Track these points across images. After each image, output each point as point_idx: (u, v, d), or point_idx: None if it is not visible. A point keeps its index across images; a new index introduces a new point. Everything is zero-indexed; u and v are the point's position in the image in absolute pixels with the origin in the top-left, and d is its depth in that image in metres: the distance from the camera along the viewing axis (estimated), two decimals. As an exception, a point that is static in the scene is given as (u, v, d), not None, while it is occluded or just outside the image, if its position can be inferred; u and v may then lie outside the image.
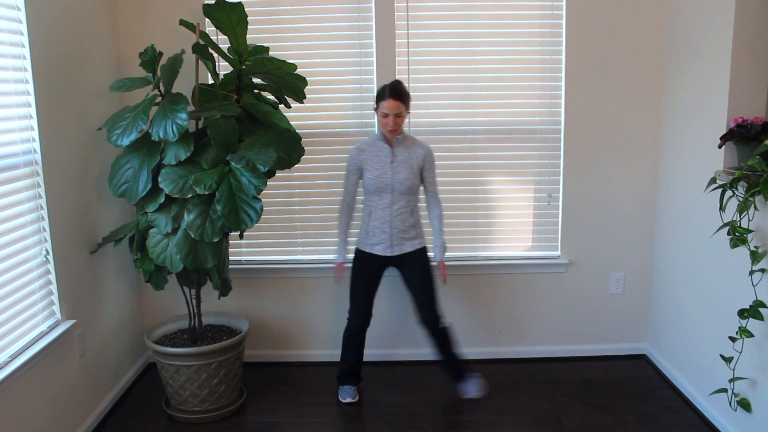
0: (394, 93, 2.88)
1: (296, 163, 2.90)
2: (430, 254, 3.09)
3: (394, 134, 2.95)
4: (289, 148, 2.88)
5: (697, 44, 2.97)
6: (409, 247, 3.02)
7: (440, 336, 3.06)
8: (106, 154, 3.07)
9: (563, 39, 3.31)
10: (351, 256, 3.14)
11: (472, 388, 3.13)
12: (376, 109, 2.96)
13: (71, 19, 2.81)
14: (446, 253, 3.23)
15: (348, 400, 3.13)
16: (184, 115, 2.62)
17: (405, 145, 2.99)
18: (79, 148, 2.85)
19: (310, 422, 2.98)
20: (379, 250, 3.01)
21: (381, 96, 2.91)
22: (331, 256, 3.51)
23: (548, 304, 3.56)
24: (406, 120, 3.32)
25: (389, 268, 3.10)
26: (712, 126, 2.82)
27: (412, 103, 3.34)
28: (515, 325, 3.58)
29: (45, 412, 2.53)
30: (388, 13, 3.27)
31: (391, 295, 3.52)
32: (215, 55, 3.00)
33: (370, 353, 3.43)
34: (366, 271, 3.07)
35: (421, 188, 3.07)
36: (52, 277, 2.63)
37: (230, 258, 3.40)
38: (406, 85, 3.33)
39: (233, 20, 2.76)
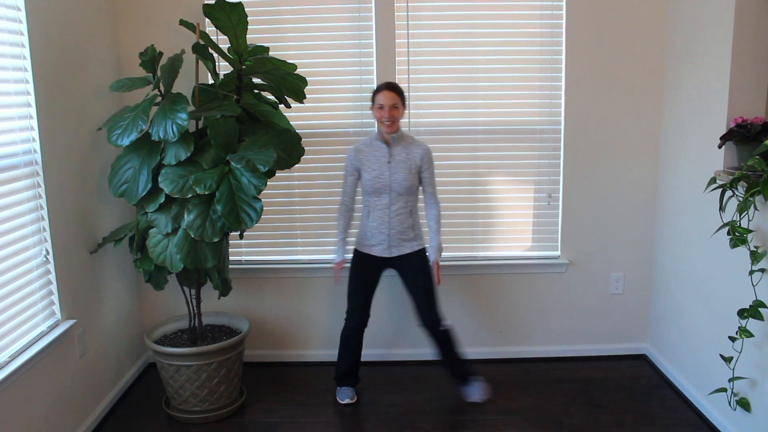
0: (389, 85, 2.91)
1: (296, 163, 2.90)
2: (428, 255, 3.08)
3: (391, 128, 2.90)
4: (289, 148, 2.88)
5: (697, 44, 2.97)
6: (407, 249, 3.01)
7: (441, 338, 3.04)
8: (106, 154, 3.07)
9: (563, 39, 3.31)
10: (350, 256, 3.14)
11: (476, 391, 3.11)
12: (372, 108, 2.96)
13: (71, 19, 2.81)
14: (444, 254, 3.22)
15: (346, 401, 3.13)
16: (184, 115, 2.62)
17: (403, 144, 2.97)
18: (79, 148, 2.85)
19: (310, 422, 2.98)
20: (377, 251, 3.01)
21: (376, 91, 2.93)
22: (331, 256, 3.51)
23: (548, 304, 3.56)
24: (406, 120, 3.34)
25: (388, 269, 3.09)
26: (712, 126, 2.82)
27: (412, 102, 3.35)
28: (515, 325, 3.58)
29: (45, 412, 2.53)
30: (388, 13, 3.27)
31: (390, 295, 3.52)
32: (215, 55, 3.00)
33: (369, 353, 3.43)
34: (364, 272, 3.06)
35: (420, 188, 3.07)
36: (52, 277, 2.63)
37: (230, 258, 3.40)
38: (406, 85, 3.34)
39: (233, 20, 2.76)
